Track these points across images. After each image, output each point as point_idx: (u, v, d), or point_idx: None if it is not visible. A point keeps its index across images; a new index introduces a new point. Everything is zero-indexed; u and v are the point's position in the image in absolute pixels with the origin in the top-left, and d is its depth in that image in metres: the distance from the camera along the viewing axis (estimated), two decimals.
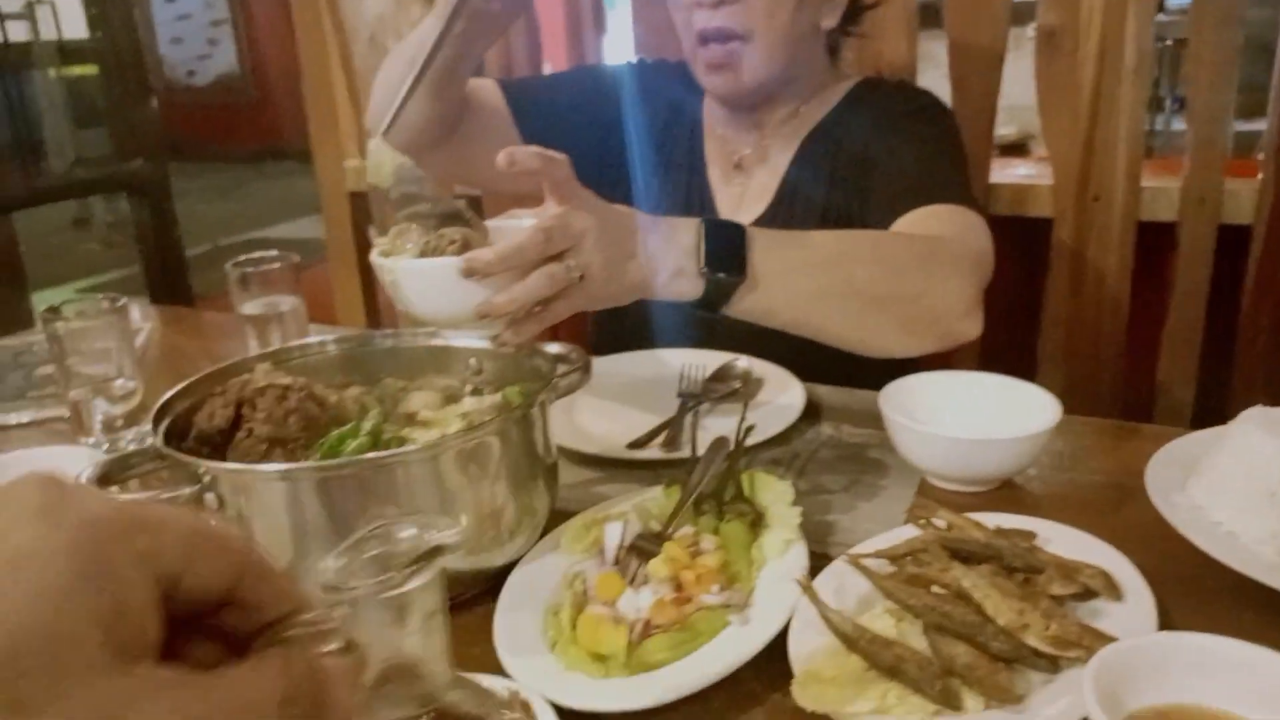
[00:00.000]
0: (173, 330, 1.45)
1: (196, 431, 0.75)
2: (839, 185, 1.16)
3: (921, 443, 0.85)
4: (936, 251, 0.94)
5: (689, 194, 1.23)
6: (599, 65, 1.39)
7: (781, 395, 1.04)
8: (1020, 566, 0.67)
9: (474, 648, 0.69)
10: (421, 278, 0.78)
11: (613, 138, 1.24)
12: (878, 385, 1.07)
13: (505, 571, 0.74)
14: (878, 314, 0.91)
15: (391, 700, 0.35)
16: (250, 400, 0.74)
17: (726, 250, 0.84)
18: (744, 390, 1.06)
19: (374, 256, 0.81)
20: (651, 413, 1.02)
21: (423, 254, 0.79)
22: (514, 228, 0.79)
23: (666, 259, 0.83)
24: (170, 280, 4.85)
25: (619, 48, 1.90)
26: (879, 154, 1.12)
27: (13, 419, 1.14)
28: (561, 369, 0.82)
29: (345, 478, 0.67)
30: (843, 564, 0.70)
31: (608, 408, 1.05)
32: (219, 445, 0.74)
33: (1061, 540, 0.72)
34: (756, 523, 0.76)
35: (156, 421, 0.73)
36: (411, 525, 0.37)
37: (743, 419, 0.87)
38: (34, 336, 1.43)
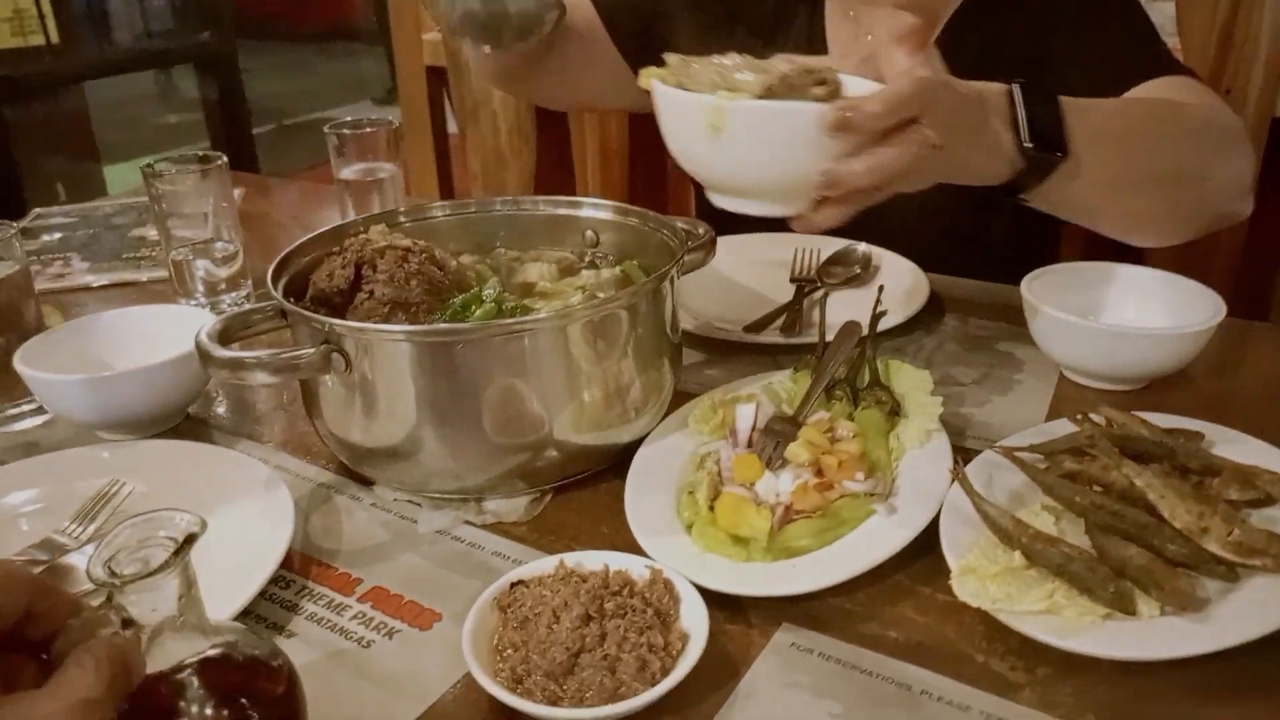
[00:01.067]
0: (260, 198, 1.42)
1: (314, 291, 0.72)
2: (1006, 45, 1.03)
3: (1066, 333, 0.79)
4: (1212, 123, 0.85)
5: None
6: None
7: (903, 283, 0.98)
8: (1195, 468, 0.62)
9: (601, 525, 0.66)
10: (768, 124, 0.61)
11: (717, 18, 1.14)
12: (999, 279, 1.01)
13: (629, 449, 0.71)
14: (1171, 194, 0.82)
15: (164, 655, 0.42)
16: (370, 261, 0.71)
17: (1046, 122, 0.71)
18: (863, 276, 1.00)
19: (654, 83, 0.66)
20: (764, 296, 0.98)
21: (770, 93, 0.61)
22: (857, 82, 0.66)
23: (983, 132, 0.69)
24: (237, 157, 4.85)
25: None
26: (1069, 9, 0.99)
27: (110, 279, 1.13)
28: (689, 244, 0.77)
29: (474, 344, 0.64)
30: (992, 456, 0.66)
31: (718, 290, 1.00)
32: (338, 306, 0.72)
33: (1228, 444, 0.67)
34: (894, 411, 0.72)
35: (275, 279, 0.70)
36: (163, 519, 0.43)
37: (878, 302, 0.82)
38: (125, 200, 1.41)
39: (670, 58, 0.67)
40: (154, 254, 1.18)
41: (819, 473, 0.64)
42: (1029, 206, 0.78)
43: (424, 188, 2.34)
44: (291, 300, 0.70)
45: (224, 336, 0.66)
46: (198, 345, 0.63)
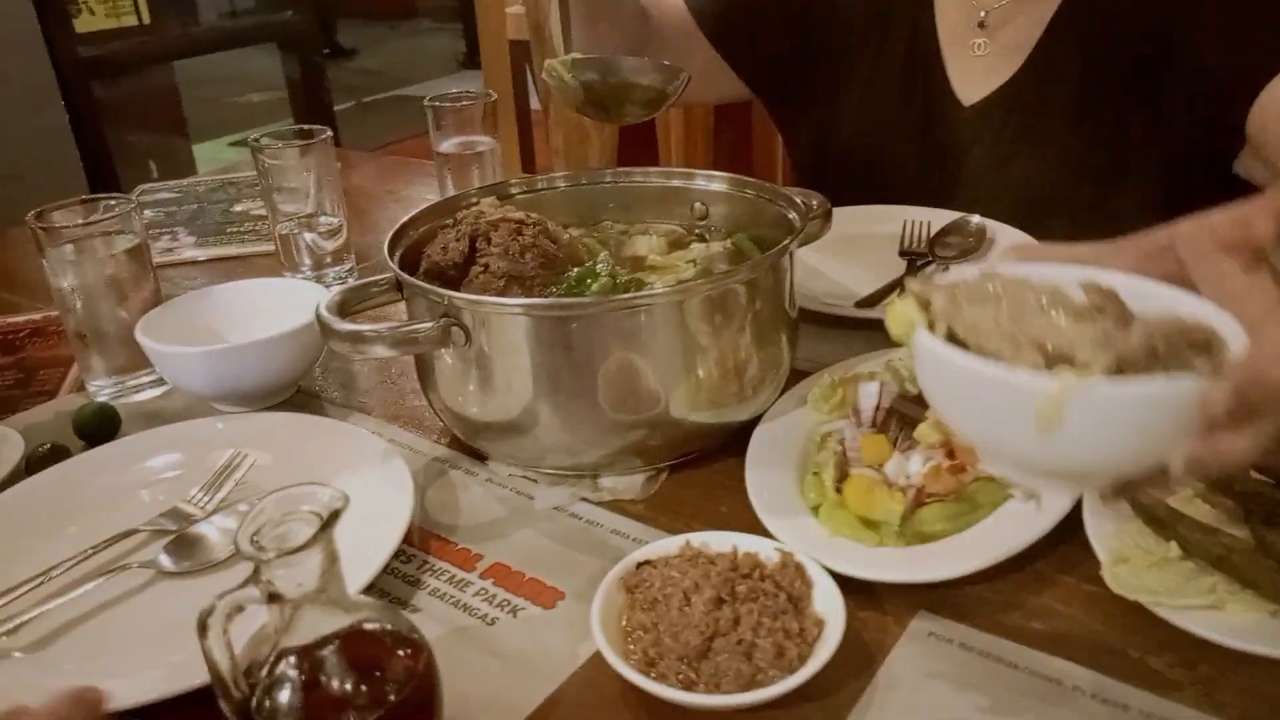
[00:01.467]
0: (353, 173, 1.43)
1: (428, 264, 0.72)
2: (1110, 51, 0.99)
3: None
4: None
5: (910, 63, 1.08)
6: None
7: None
8: None
9: (720, 504, 0.65)
10: (1133, 412, 0.40)
11: (818, 12, 1.11)
12: None
13: (746, 427, 0.69)
14: None
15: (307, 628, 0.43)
16: (484, 235, 0.70)
17: None
18: (977, 249, 0.96)
19: (922, 337, 0.45)
20: (874, 270, 0.94)
21: (1124, 364, 0.40)
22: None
23: None
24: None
25: None
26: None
27: (217, 253, 1.14)
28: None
29: (592, 318, 0.62)
30: None
31: (825, 264, 0.97)
32: (451, 279, 0.71)
33: None
34: None
35: (390, 251, 0.70)
36: (306, 494, 0.43)
37: None
38: (222, 176, 1.43)
39: (926, 289, 0.46)
40: (257, 228, 1.20)
41: (950, 454, 0.62)
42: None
43: (507, 162, 2.34)
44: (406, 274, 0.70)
45: (343, 309, 0.65)
46: (318, 318, 0.63)
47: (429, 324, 0.63)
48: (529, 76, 2.31)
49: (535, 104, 2.38)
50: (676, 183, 0.82)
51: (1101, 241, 0.49)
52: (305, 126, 1.03)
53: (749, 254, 0.78)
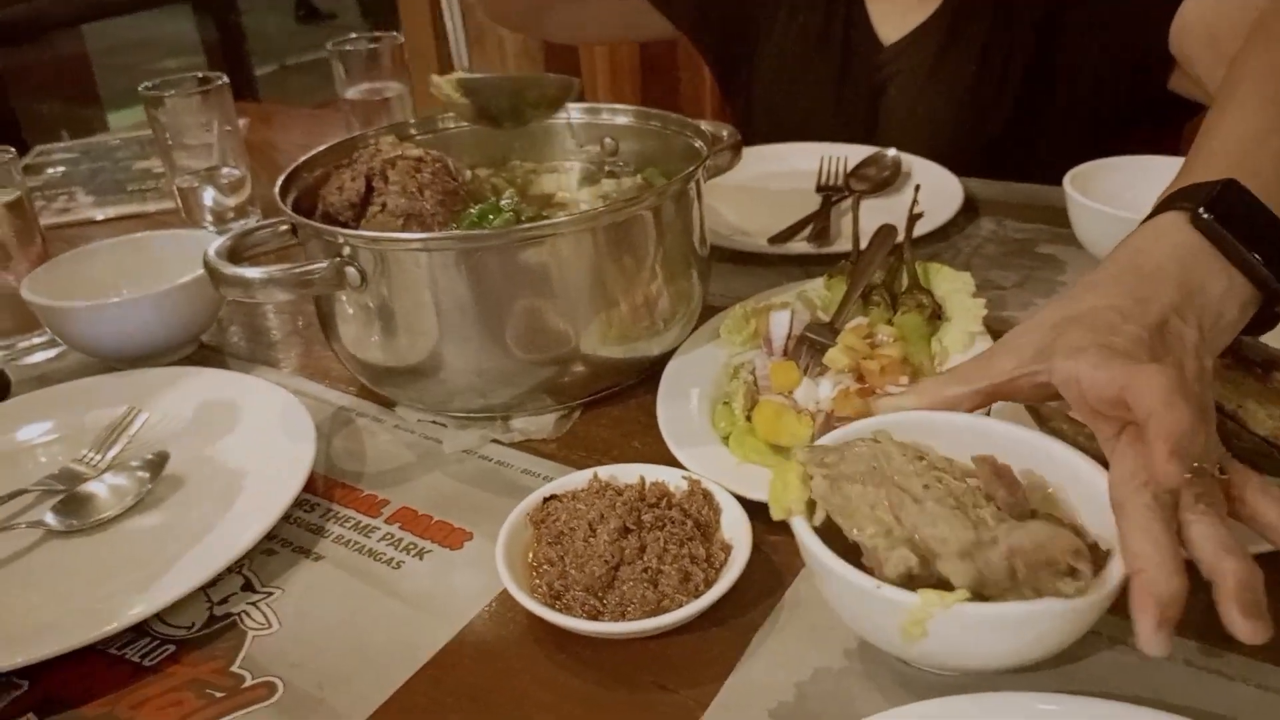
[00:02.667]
0: (264, 127, 1.38)
1: (324, 207, 0.69)
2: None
3: (1113, 228, 0.75)
4: None
5: (832, 3, 1.07)
6: None
7: (936, 187, 0.94)
8: (1258, 360, 0.59)
9: (634, 440, 0.64)
10: (995, 630, 0.40)
11: None
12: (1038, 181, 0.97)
13: (659, 362, 0.68)
14: None
15: None
16: (381, 172, 0.68)
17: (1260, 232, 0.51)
18: (893, 182, 0.96)
19: (797, 526, 0.44)
20: (788, 207, 0.94)
21: (984, 583, 0.40)
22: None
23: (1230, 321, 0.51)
24: (239, 97, 4.77)
25: None
26: None
27: (115, 212, 1.10)
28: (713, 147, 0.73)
29: (493, 252, 0.61)
30: None
31: (740, 200, 0.96)
32: (349, 221, 0.68)
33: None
34: (935, 315, 0.69)
35: (283, 194, 0.67)
36: None
37: (914, 203, 0.78)
38: (127, 134, 1.37)
39: (810, 462, 0.45)
40: (159, 185, 1.15)
41: (859, 378, 0.61)
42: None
43: (425, 108, 2.29)
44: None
45: (233, 254, 0.63)
46: (206, 264, 0.60)
47: (323, 264, 0.60)
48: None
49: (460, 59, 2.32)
50: (581, 118, 0.80)
51: (997, 355, 0.49)
52: (202, 74, 0.98)
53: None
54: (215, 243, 0.62)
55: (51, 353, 0.80)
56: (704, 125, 0.75)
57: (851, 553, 0.43)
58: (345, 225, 0.68)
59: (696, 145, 0.73)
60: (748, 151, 1.05)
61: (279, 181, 0.68)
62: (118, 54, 5.62)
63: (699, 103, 1.96)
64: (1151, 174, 0.81)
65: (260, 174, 1.04)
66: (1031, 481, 0.47)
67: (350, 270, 0.60)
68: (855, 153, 1.00)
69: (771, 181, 0.99)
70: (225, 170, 0.98)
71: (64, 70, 4.09)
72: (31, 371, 0.78)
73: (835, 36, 1.08)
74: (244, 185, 0.99)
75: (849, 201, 0.93)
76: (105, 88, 4.55)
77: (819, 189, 0.97)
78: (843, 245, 0.83)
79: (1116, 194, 0.79)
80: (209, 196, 0.97)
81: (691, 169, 0.66)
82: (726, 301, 0.75)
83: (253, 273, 0.59)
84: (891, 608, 0.40)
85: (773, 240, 0.87)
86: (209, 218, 0.98)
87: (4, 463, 0.65)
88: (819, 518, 0.45)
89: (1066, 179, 0.80)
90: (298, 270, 0.60)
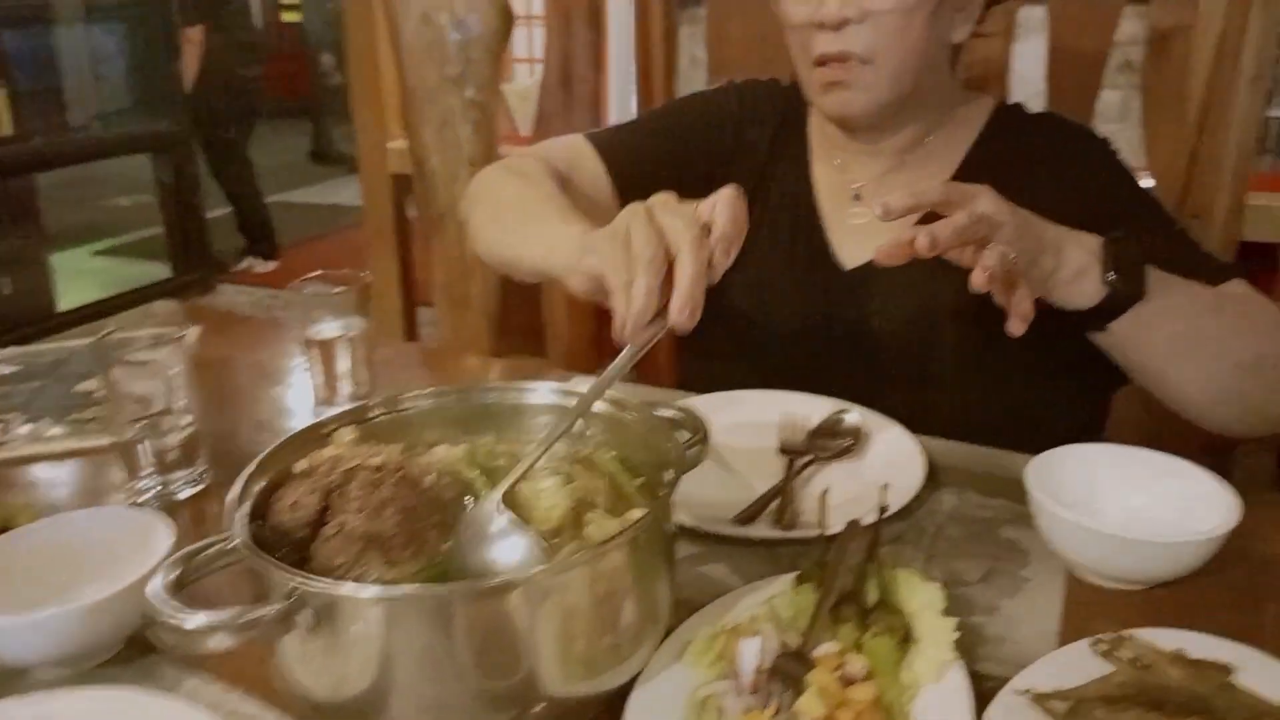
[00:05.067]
0: (218, 338, 1.35)
1: (275, 523, 0.66)
2: None
3: (1079, 538, 0.76)
4: None
5: (795, 228, 1.11)
6: (690, 96, 1.27)
7: (898, 455, 0.94)
8: None
9: None
10: None
11: (715, 171, 1.12)
12: (994, 443, 0.98)
13: (624, 688, 0.65)
14: (1249, 379, 0.89)
15: None
16: (339, 488, 0.66)
17: (1128, 261, 0.83)
18: (855, 448, 0.96)
19: None
20: (752, 469, 0.93)
21: None
22: None
23: (1071, 257, 0.82)
24: (190, 244, 4.75)
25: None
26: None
27: (57, 446, 1.05)
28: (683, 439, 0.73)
29: (453, 604, 0.58)
30: (1015, 699, 0.62)
31: (702, 467, 0.95)
32: (303, 541, 0.65)
33: (1253, 670, 0.63)
34: (905, 637, 0.67)
35: (237, 511, 0.64)
36: None
37: (883, 507, 0.78)
38: (72, 344, 1.34)
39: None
40: (101, 413, 1.11)
41: None
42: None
43: (387, 296, 2.29)
44: (257, 524, 0.65)
45: (178, 585, 0.59)
46: (147, 609, 0.57)
47: (276, 608, 0.57)
48: (406, 209, 2.28)
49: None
50: (551, 399, 0.79)
51: None
52: (163, 323, 0.96)
53: (621, 479, 0.75)
54: (158, 576, 0.59)
55: None
56: (665, 412, 0.75)
57: None
58: (298, 545, 0.65)
59: (666, 445, 0.72)
60: (713, 397, 1.06)
61: (230, 498, 0.65)
62: (68, 189, 5.60)
63: None
64: (1118, 461, 0.83)
65: (209, 405, 1.01)
66: None
67: (301, 616, 0.57)
68: (818, 409, 1.01)
69: (737, 438, 0.97)
70: (172, 418, 0.95)
71: (10, 213, 4.05)
72: None
73: (798, 259, 1.10)
74: (189, 430, 0.95)
75: (808, 470, 0.93)
76: (53, 226, 4.52)
77: (781, 450, 0.97)
78: (810, 527, 0.82)
79: (1077, 481, 0.81)
80: (152, 450, 0.93)
81: (666, 493, 0.65)
82: (694, 592, 0.73)
83: (193, 621, 0.56)
84: None
85: (739, 519, 0.86)
86: (150, 464, 0.94)
87: None
88: None
89: (1028, 470, 0.80)
90: (246, 618, 0.56)
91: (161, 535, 0.76)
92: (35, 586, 0.73)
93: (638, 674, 0.66)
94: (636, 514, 0.68)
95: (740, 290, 1.12)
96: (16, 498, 0.94)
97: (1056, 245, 0.82)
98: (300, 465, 0.69)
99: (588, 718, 0.65)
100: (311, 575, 0.58)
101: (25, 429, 1.09)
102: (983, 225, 0.76)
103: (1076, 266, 0.82)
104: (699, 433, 0.76)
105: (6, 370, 1.24)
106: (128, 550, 0.75)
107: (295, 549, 0.65)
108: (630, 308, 0.65)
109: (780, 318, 1.11)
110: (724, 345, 1.15)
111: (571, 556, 0.63)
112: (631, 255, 0.66)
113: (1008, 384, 1.04)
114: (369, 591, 0.58)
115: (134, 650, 0.74)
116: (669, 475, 0.68)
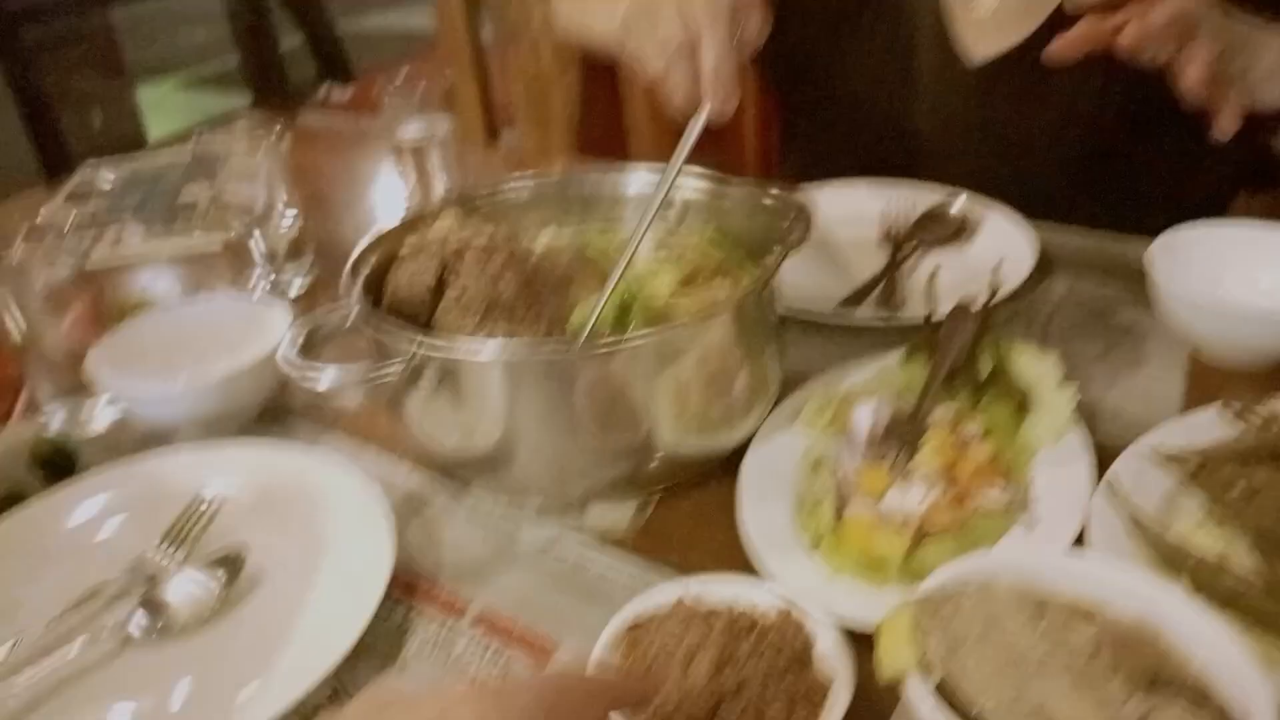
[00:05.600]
0: (308, 148, 1.35)
1: (394, 296, 0.67)
2: None
3: (1203, 314, 0.73)
4: None
5: (915, 16, 1.03)
6: None
7: (1008, 240, 0.91)
8: None
9: (715, 534, 0.62)
10: None
11: None
12: (1111, 226, 0.94)
13: (738, 449, 0.67)
14: None
15: None
16: (453, 263, 0.66)
17: None
18: (963, 234, 0.93)
19: (926, 707, 0.41)
20: (854, 258, 0.91)
21: None
22: None
23: (1262, 56, 0.77)
24: (268, 72, 4.72)
25: None
26: None
27: (170, 248, 1.09)
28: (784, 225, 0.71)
29: (572, 363, 0.59)
30: (1136, 459, 0.61)
31: (803, 256, 0.93)
32: (424, 308, 0.67)
33: None
34: (1021, 404, 0.67)
35: (352, 279, 0.66)
36: None
37: (994, 289, 0.76)
38: (169, 157, 1.35)
39: (923, 614, 0.44)
40: (208, 216, 1.14)
41: (951, 481, 0.60)
42: None
43: (466, 104, 2.25)
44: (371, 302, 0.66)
45: (306, 348, 0.62)
46: (281, 363, 0.59)
47: (398, 365, 0.59)
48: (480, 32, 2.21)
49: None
50: (647, 187, 0.78)
51: None
52: (255, 117, 0.96)
53: (730, 257, 0.75)
54: (286, 337, 0.61)
55: (114, 413, 0.79)
56: (770, 198, 0.73)
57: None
58: (419, 311, 0.66)
59: (776, 222, 0.70)
60: (811, 188, 1.03)
61: (345, 273, 0.66)
62: (141, 25, 5.57)
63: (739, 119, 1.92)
64: (1241, 241, 0.79)
65: (309, 207, 1.02)
66: (1146, 636, 0.45)
67: (426, 373, 0.59)
68: (922, 197, 0.97)
69: (839, 228, 0.95)
70: (277, 218, 0.96)
71: (92, 48, 4.08)
72: (98, 441, 0.77)
73: (919, 53, 1.03)
74: (294, 226, 0.97)
75: (914, 257, 0.91)
76: (132, 62, 4.53)
77: (885, 238, 0.94)
78: (914, 313, 0.81)
79: (1200, 263, 0.77)
80: (260, 247, 0.95)
81: (768, 273, 0.64)
82: (802, 374, 0.74)
83: (326, 378, 0.58)
84: None
85: (843, 305, 0.85)
86: (260, 260, 0.97)
87: (73, 550, 0.65)
88: (933, 680, 0.43)
89: (1149, 254, 0.77)
90: (374, 373, 0.59)
91: (279, 319, 0.79)
92: (171, 362, 0.77)
93: (752, 436, 0.67)
94: (745, 282, 0.67)
95: (859, 89, 1.07)
96: (132, 299, 0.98)
97: (1248, 44, 0.76)
98: (408, 248, 0.70)
99: (704, 472, 0.67)
100: (434, 339, 0.59)
101: (137, 231, 1.12)
102: (1182, 21, 0.71)
103: (1269, 66, 0.77)
104: (802, 217, 0.74)
105: (111, 181, 1.27)
106: (250, 335, 0.78)
107: (413, 324, 0.67)
108: (672, 100, 0.66)
109: (896, 108, 1.06)
110: (832, 134, 1.11)
111: (682, 320, 0.63)
112: (659, 41, 0.66)
113: (1133, 181, 0.98)
114: (488, 350, 0.59)
115: (271, 413, 0.78)
116: (774, 252, 0.67)
